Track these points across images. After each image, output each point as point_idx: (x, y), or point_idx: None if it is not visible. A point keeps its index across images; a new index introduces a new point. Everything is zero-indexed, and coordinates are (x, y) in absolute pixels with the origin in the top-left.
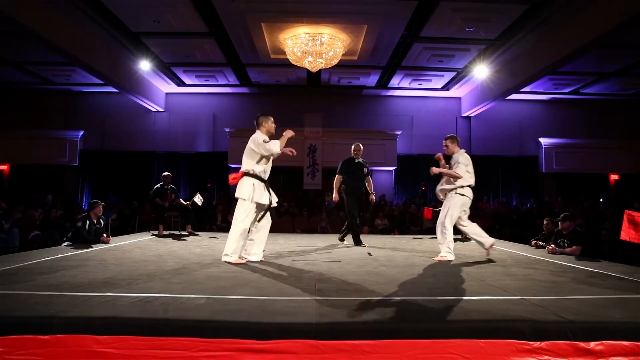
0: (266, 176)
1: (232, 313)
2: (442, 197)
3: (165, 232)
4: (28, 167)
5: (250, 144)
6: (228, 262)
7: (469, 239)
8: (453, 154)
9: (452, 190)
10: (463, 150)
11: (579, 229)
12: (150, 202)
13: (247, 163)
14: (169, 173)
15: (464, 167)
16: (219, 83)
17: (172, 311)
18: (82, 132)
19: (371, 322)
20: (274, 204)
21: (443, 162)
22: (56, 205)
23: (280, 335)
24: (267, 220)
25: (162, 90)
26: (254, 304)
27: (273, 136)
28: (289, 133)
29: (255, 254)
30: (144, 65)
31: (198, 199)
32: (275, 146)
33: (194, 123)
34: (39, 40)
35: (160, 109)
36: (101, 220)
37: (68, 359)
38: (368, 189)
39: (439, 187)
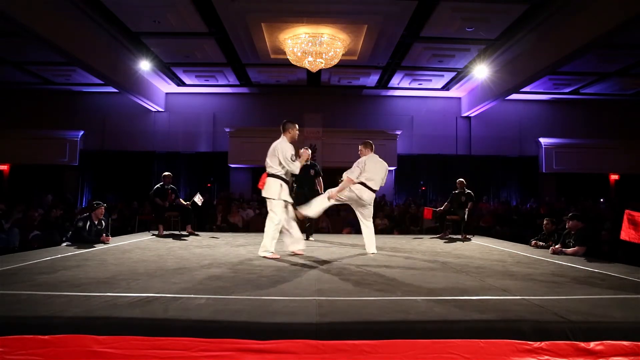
0: (288, 177)
1: (232, 313)
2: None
3: (165, 232)
4: (28, 167)
5: (278, 153)
6: (265, 257)
7: (469, 239)
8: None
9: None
10: (367, 156)
11: (586, 229)
12: (150, 202)
13: (273, 167)
14: (169, 173)
15: (357, 168)
16: (219, 83)
17: (172, 311)
18: (82, 132)
19: (371, 322)
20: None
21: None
22: (56, 205)
23: (280, 335)
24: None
25: (162, 90)
26: (254, 304)
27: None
28: (305, 155)
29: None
30: (144, 65)
31: (198, 199)
32: (297, 168)
33: (194, 123)
34: (39, 40)
35: (160, 109)
36: (102, 222)
37: (68, 359)
38: (318, 189)
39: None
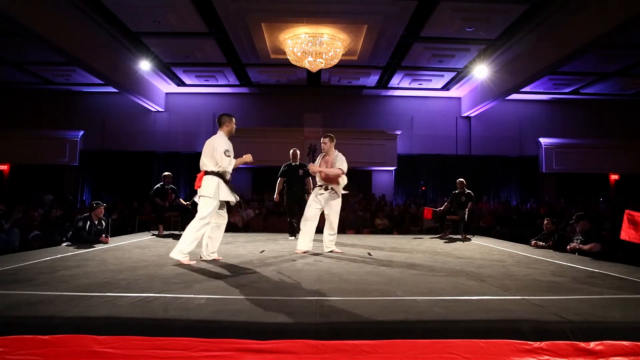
0: (228, 176)
1: (232, 313)
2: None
3: (165, 232)
4: (28, 167)
5: (211, 149)
6: (179, 262)
7: (469, 239)
8: (329, 152)
9: (333, 190)
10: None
11: (594, 228)
12: (150, 202)
13: (209, 164)
14: (169, 173)
15: (343, 164)
16: (219, 83)
17: (172, 311)
18: (82, 132)
19: (371, 322)
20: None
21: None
22: (56, 205)
23: (280, 335)
24: (225, 218)
25: (162, 90)
26: (254, 304)
27: (233, 137)
28: (248, 158)
29: (214, 252)
30: (144, 65)
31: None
32: (230, 166)
33: (194, 123)
34: (39, 40)
35: (160, 109)
36: (102, 222)
37: (68, 359)
38: (307, 188)
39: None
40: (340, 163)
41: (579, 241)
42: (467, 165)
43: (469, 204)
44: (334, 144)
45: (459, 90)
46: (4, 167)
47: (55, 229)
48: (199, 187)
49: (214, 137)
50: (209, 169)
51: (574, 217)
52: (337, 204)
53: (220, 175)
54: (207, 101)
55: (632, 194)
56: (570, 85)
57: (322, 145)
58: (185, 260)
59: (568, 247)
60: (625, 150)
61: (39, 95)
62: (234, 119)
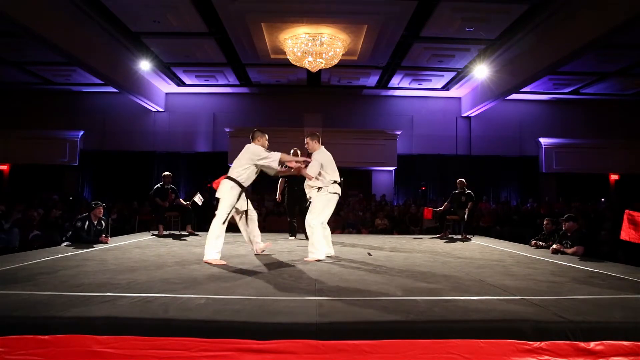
0: (246, 184)
1: (232, 313)
2: (310, 194)
3: (165, 232)
4: (28, 167)
5: (247, 154)
6: (209, 263)
7: (469, 239)
8: (314, 151)
9: (320, 187)
10: (322, 148)
11: (582, 230)
12: (150, 202)
13: (232, 171)
14: (169, 173)
15: (317, 166)
16: (219, 83)
17: (172, 311)
18: (82, 132)
19: (371, 322)
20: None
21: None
22: (56, 205)
23: (280, 335)
24: (254, 212)
25: (162, 90)
26: (254, 304)
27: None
28: (294, 164)
29: (260, 245)
30: (144, 65)
31: (198, 199)
32: (275, 163)
33: (194, 123)
34: (39, 40)
35: (160, 109)
36: (102, 222)
37: (68, 359)
38: None
39: (306, 184)
40: (311, 165)
41: (567, 244)
42: (467, 165)
43: (469, 204)
44: (316, 141)
45: (459, 90)
46: (4, 167)
47: (55, 229)
48: (215, 187)
49: (250, 145)
50: (230, 175)
51: (562, 219)
52: (316, 199)
53: (238, 183)
54: (207, 101)
55: (632, 194)
56: (570, 85)
57: (305, 146)
58: (216, 260)
59: (551, 249)
60: (625, 150)
61: (39, 95)
62: (266, 135)
